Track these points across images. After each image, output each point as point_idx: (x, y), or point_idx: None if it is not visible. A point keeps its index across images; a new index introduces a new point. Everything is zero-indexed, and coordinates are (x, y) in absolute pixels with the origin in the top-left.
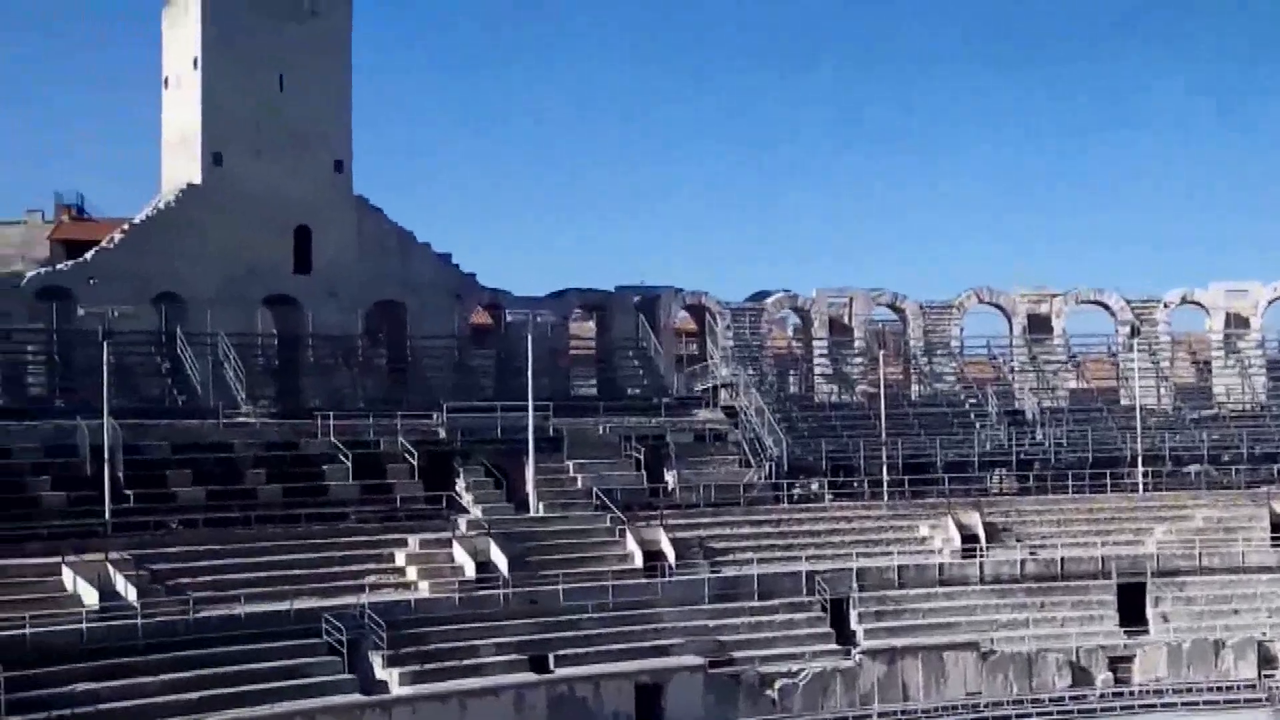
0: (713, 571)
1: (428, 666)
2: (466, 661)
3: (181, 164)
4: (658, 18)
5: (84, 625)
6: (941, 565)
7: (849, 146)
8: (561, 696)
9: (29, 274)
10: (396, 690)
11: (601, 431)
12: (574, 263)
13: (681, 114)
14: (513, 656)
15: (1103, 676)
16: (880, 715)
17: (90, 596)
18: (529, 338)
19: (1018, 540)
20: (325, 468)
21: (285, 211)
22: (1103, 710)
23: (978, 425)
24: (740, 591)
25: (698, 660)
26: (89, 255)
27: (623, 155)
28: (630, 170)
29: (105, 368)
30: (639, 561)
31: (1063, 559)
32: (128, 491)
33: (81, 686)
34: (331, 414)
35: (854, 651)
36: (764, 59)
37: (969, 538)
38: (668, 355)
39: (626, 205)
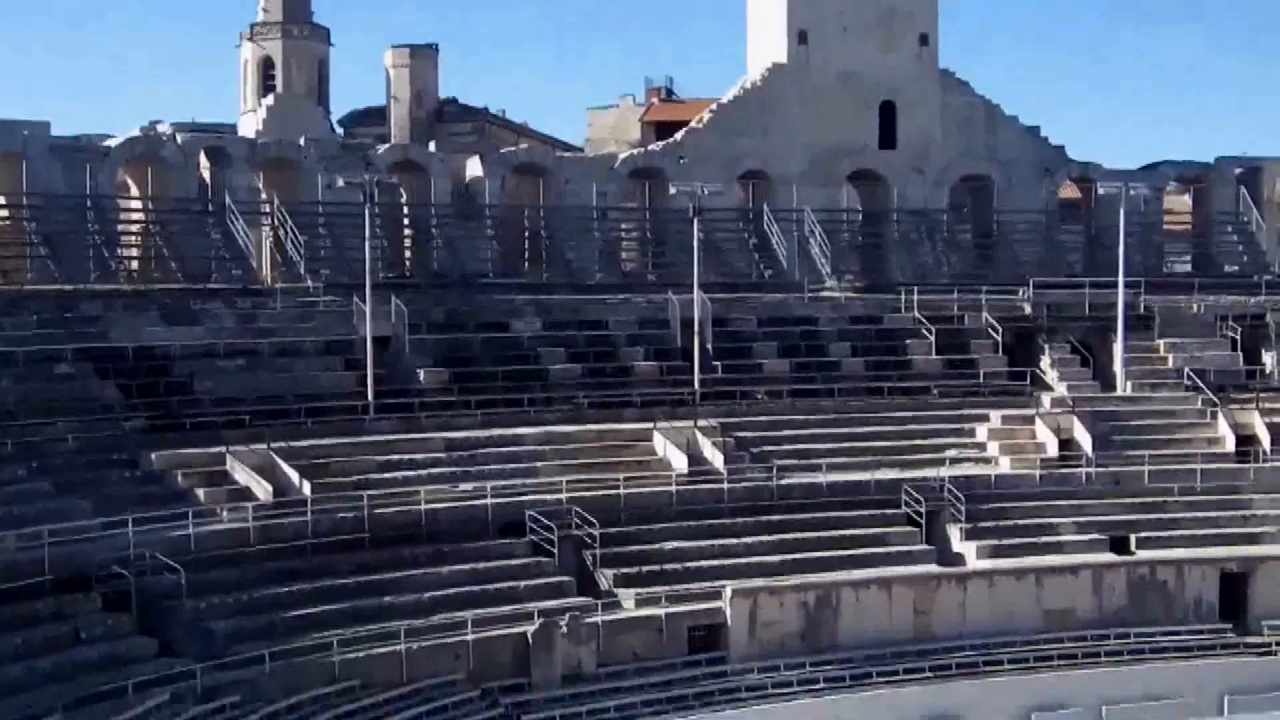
0: None
1: (1005, 542)
2: (1045, 539)
3: (768, 44)
4: None
5: (673, 488)
6: None
7: None
8: (1142, 579)
9: (622, 155)
10: (973, 563)
11: (1196, 310)
12: (1169, 133)
13: None
14: (1093, 536)
15: None
16: None
17: (679, 461)
18: (1121, 212)
19: None
20: (908, 342)
21: (871, 88)
22: None
23: None
24: None
25: None
26: (679, 136)
27: (1221, 25)
28: (1230, 37)
29: (695, 244)
30: (1230, 445)
31: None
32: (715, 363)
33: (670, 545)
34: (916, 289)
35: None
36: None
37: None
38: (1270, 230)
39: (1226, 71)
